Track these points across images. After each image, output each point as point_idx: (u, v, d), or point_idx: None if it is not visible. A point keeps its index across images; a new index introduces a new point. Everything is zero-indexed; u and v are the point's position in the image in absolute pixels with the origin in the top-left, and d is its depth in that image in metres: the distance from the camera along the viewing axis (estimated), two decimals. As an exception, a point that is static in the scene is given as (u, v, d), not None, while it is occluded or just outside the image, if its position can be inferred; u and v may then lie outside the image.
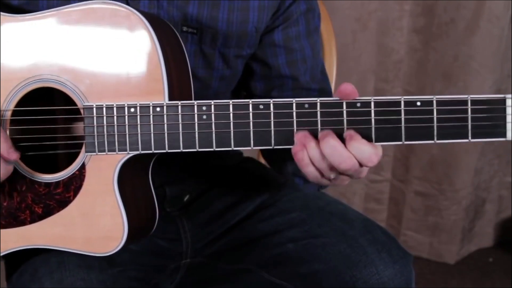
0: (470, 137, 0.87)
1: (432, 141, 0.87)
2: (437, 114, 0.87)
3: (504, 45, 2.13)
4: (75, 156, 0.96)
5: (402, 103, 0.87)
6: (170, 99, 0.92)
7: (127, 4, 1.00)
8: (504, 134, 0.87)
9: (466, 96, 0.86)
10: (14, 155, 0.92)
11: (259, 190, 1.19)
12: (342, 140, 0.87)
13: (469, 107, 0.86)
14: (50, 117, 0.97)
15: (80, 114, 0.94)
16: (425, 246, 2.35)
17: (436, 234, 2.33)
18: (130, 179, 0.97)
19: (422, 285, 2.19)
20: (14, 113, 0.96)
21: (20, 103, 0.96)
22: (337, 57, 1.47)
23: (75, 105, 0.94)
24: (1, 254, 0.99)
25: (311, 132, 0.89)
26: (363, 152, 0.86)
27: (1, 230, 0.98)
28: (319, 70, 1.17)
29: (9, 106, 0.96)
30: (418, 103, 0.87)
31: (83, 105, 0.93)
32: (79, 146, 0.95)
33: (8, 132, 0.96)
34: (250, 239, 1.15)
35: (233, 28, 1.06)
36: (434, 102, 0.86)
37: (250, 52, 1.10)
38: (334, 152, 0.86)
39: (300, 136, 0.88)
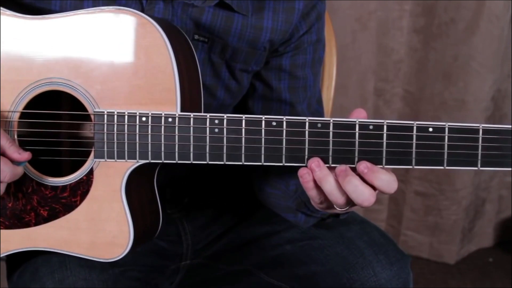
0: (479, 166, 0.86)
1: (442, 167, 0.87)
2: (448, 141, 0.86)
3: (504, 45, 2.13)
4: (81, 160, 0.95)
5: (415, 128, 0.86)
6: (181, 109, 0.91)
7: (142, 9, 0.99)
8: (511, 164, 0.86)
9: (478, 125, 0.85)
10: (25, 155, 0.91)
11: None
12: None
13: (480, 136, 0.85)
14: (58, 121, 0.96)
15: (89, 118, 0.93)
16: (425, 246, 2.35)
17: (436, 234, 2.33)
18: (136, 185, 0.96)
19: (422, 285, 2.19)
20: (22, 115, 0.95)
21: (29, 105, 0.95)
22: (337, 57, 1.46)
23: (84, 109, 0.93)
24: (4, 255, 0.99)
25: (323, 160, 0.87)
26: (385, 182, 0.86)
27: (6, 230, 0.98)
28: (315, 99, 1.16)
29: (17, 108, 0.95)
30: (430, 129, 0.86)
31: (94, 111, 0.92)
32: (87, 151, 0.94)
33: (15, 134, 0.95)
34: (248, 240, 1.16)
35: (243, 44, 1.05)
36: (446, 129, 0.86)
37: (256, 69, 1.09)
38: (356, 190, 0.85)
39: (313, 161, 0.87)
